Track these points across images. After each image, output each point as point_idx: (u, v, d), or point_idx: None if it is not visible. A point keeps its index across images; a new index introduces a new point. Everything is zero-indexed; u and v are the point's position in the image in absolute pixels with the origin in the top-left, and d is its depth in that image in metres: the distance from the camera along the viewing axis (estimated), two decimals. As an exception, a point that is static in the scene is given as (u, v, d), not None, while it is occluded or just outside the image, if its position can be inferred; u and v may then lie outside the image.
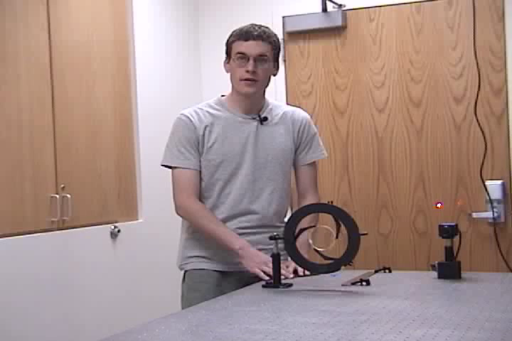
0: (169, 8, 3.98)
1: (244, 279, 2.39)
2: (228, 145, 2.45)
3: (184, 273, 2.54)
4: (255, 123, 2.49)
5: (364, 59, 3.92)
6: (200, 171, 2.47)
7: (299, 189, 2.61)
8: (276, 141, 2.50)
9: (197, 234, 2.50)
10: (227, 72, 2.49)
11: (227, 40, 2.47)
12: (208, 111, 2.49)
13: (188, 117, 2.47)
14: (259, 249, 2.43)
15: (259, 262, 2.34)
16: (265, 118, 2.50)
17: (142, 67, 3.68)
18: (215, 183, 2.46)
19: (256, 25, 2.45)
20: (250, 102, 2.48)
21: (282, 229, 2.39)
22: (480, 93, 3.69)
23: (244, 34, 2.41)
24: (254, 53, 2.40)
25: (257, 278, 2.35)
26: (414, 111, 3.84)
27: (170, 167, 2.50)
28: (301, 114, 2.60)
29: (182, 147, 2.45)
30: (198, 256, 2.50)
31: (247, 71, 2.39)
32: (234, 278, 2.44)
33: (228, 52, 2.47)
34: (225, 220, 2.46)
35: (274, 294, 2.18)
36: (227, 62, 2.48)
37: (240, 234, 2.44)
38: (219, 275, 2.46)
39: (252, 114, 2.49)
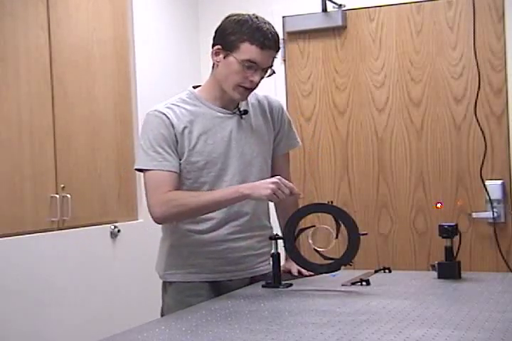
0: (169, 8, 3.98)
1: (237, 286, 2.27)
2: (211, 145, 2.23)
3: (167, 284, 2.31)
4: (236, 117, 2.28)
5: (364, 59, 3.92)
6: (179, 175, 2.20)
7: None
8: (259, 133, 2.32)
9: (183, 240, 2.27)
10: (216, 63, 2.23)
11: (230, 32, 2.18)
12: (184, 108, 2.24)
13: (164, 114, 2.20)
14: (249, 255, 2.31)
15: (266, 186, 2.06)
16: (246, 112, 2.29)
17: (142, 67, 3.68)
18: (200, 187, 2.22)
19: (265, 23, 2.19)
20: (232, 98, 2.26)
21: (270, 230, 2.39)
22: (480, 93, 3.69)
23: (261, 40, 2.15)
24: (267, 65, 2.19)
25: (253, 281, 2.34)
26: (414, 111, 3.84)
27: (143, 171, 2.21)
28: (275, 100, 2.42)
29: (159, 147, 2.18)
30: (185, 265, 2.27)
31: (251, 81, 2.18)
32: (226, 287, 2.26)
33: (228, 47, 2.18)
34: (215, 227, 2.25)
35: (274, 294, 2.18)
36: (222, 56, 2.20)
37: (231, 240, 2.27)
38: (211, 286, 2.26)
39: (231, 108, 2.28)
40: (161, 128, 2.19)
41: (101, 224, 3.36)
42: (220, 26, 2.25)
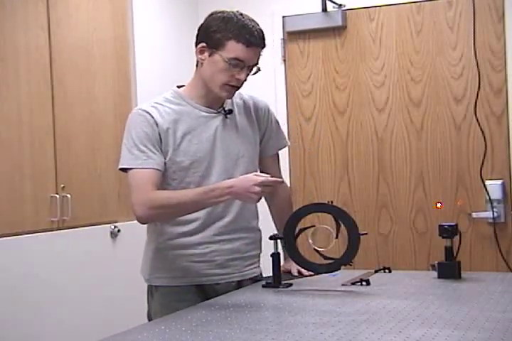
0: (169, 8, 3.98)
1: (224, 290, 2.23)
2: (196, 144, 2.20)
3: (152, 287, 2.29)
4: (220, 117, 2.25)
5: (364, 59, 3.92)
6: (163, 173, 2.16)
7: None
8: (244, 133, 2.30)
9: (168, 243, 2.24)
10: (201, 61, 2.20)
11: (215, 30, 2.15)
12: (168, 107, 2.21)
13: (148, 112, 2.17)
14: (236, 258, 2.28)
15: (252, 193, 2.00)
16: (230, 111, 2.27)
17: (142, 67, 3.68)
18: (186, 188, 2.18)
19: (250, 21, 2.16)
20: (218, 97, 2.24)
21: (258, 233, 2.37)
22: (480, 93, 3.69)
23: (247, 37, 2.13)
24: (252, 62, 2.17)
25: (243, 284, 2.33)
26: (414, 111, 3.84)
27: (126, 170, 2.16)
28: (261, 101, 2.39)
29: (142, 145, 2.14)
30: (170, 270, 2.25)
31: (237, 79, 2.16)
32: (213, 291, 2.23)
33: (214, 45, 2.15)
34: (201, 228, 2.22)
35: (274, 294, 2.18)
36: (207, 53, 2.17)
37: (217, 242, 2.24)
38: (197, 290, 2.23)
39: (216, 107, 2.26)
40: (144, 126, 2.16)
41: (101, 224, 3.36)
42: (203, 24, 2.23)
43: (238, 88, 2.21)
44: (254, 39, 2.15)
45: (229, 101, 2.29)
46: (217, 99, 2.25)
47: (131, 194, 2.15)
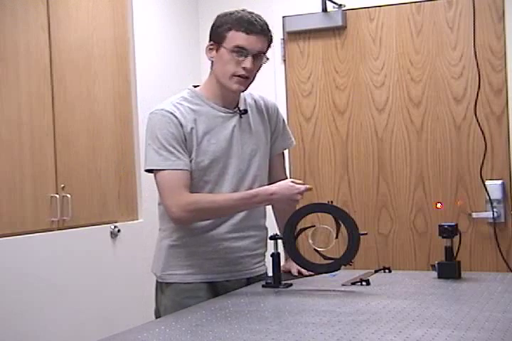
0: (169, 8, 3.98)
1: (234, 287, 2.28)
2: (214, 144, 2.23)
3: (163, 284, 2.29)
4: (236, 117, 2.29)
5: (364, 59, 3.92)
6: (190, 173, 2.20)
7: (272, 180, 2.38)
8: (257, 132, 2.34)
9: (182, 241, 2.26)
10: (211, 59, 2.26)
11: (218, 25, 2.22)
12: (188, 107, 2.24)
13: (172, 113, 2.19)
14: (246, 255, 2.32)
15: (293, 192, 2.15)
16: (245, 111, 2.31)
17: (142, 67, 3.68)
18: (203, 186, 2.23)
19: (251, 13, 2.23)
20: (233, 96, 2.28)
21: (265, 231, 2.40)
22: (480, 93, 3.69)
23: (245, 25, 2.18)
24: (255, 50, 2.19)
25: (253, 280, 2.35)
26: (414, 111, 3.84)
27: (152, 171, 2.20)
28: (270, 100, 2.44)
29: (170, 146, 2.16)
30: (184, 266, 2.26)
31: (244, 67, 2.18)
32: (223, 288, 2.27)
33: (218, 39, 2.22)
34: (214, 226, 2.25)
35: (274, 294, 2.18)
36: (215, 50, 2.23)
37: (229, 239, 2.27)
38: (209, 287, 2.26)
39: (231, 108, 2.29)
40: (169, 127, 2.18)
41: (101, 224, 3.36)
42: (211, 25, 2.28)
43: (248, 78, 2.23)
44: (254, 27, 2.19)
45: (242, 101, 2.33)
46: (232, 98, 2.29)
47: (164, 196, 2.18)
